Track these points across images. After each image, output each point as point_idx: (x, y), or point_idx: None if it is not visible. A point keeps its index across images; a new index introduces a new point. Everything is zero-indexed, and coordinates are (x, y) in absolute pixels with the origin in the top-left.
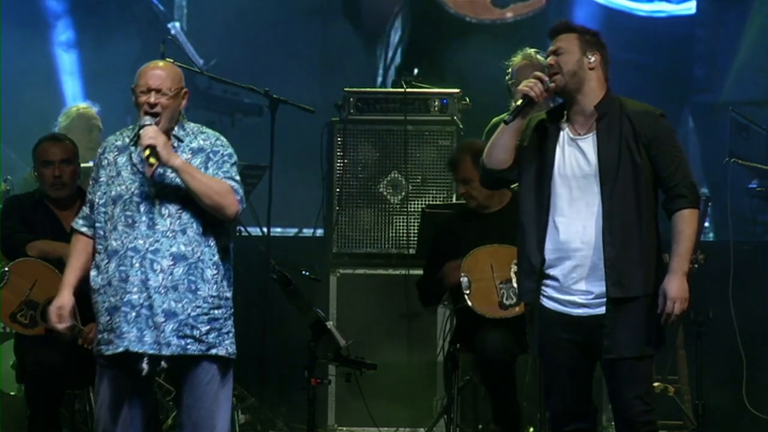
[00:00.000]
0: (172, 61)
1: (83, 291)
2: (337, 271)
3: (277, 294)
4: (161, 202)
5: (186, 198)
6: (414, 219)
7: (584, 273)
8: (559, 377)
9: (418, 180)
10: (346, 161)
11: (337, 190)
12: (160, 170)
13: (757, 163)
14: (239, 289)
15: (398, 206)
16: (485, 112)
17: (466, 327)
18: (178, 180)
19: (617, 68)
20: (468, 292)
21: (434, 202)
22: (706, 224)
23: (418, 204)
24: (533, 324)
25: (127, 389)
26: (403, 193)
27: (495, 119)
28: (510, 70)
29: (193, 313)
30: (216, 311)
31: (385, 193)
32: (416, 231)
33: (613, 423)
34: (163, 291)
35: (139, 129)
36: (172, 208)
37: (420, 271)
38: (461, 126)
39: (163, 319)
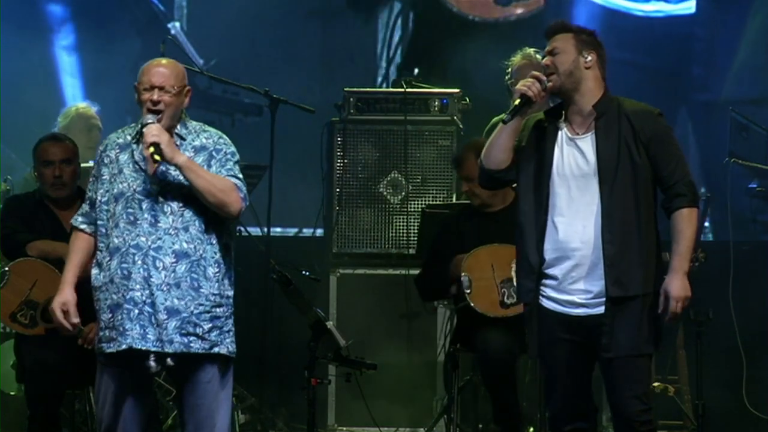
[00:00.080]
0: None
1: (83, 290)
2: (337, 271)
3: (277, 294)
4: (164, 199)
5: (188, 195)
6: (414, 219)
7: (583, 272)
8: (558, 377)
9: (418, 180)
10: (346, 161)
11: (337, 190)
12: (163, 167)
13: (757, 163)
14: (239, 289)
15: (398, 206)
16: (487, 111)
17: (467, 327)
18: (180, 177)
19: (615, 68)
20: (469, 291)
21: (434, 202)
22: (706, 224)
23: (418, 204)
24: (532, 324)
25: (129, 387)
26: (403, 193)
27: (495, 119)
28: (509, 69)
29: (195, 311)
30: (217, 309)
31: (385, 193)
32: (416, 231)
33: (612, 423)
34: (165, 288)
35: (142, 127)
36: (175, 206)
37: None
38: (461, 126)
39: (165, 317)
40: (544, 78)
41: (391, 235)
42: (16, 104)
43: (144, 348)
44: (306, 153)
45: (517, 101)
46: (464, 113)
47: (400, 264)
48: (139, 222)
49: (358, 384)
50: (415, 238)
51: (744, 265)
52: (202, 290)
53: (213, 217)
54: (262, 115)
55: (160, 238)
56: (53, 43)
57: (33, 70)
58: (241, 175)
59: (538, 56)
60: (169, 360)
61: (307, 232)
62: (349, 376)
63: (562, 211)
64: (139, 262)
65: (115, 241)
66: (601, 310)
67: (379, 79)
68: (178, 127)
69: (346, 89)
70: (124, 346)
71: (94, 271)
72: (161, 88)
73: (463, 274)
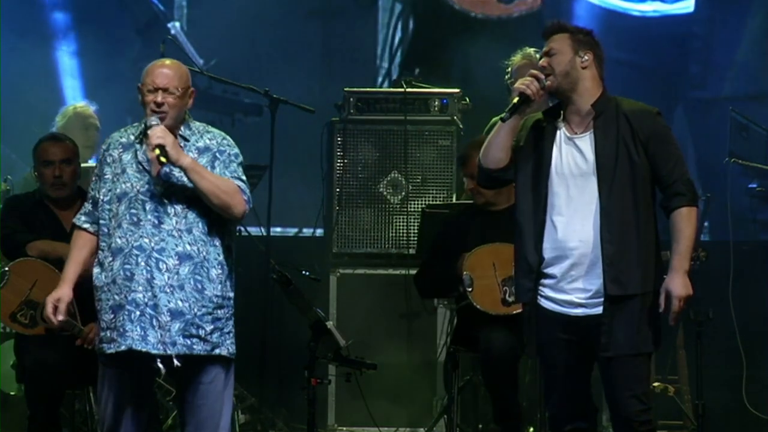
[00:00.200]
0: None
1: (83, 291)
2: (337, 271)
3: (277, 294)
4: (167, 200)
5: (192, 197)
6: (414, 219)
7: (582, 271)
8: (558, 377)
9: (418, 180)
10: (346, 161)
11: (337, 190)
12: (166, 169)
13: (757, 163)
14: (239, 289)
15: (398, 206)
16: (488, 110)
17: (468, 326)
18: (184, 179)
19: (612, 68)
20: (470, 289)
21: (434, 202)
22: (705, 224)
23: (418, 204)
24: (530, 324)
25: (130, 388)
26: (403, 193)
27: (494, 119)
28: (509, 69)
29: (199, 313)
30: (219, 311)
31: (385, 193)
32: (416, 231)
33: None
34: (168, 290)
35: (146, 128)
36: (178, 207)
37: None
38: (461, 126)
39: (168, 319)
40: (543, 77)
41: (391, 235)
42: (16, 104)
43: (144, 350)
44: (306, 153)
45: (516, 99)
46: (464, 113)
47: (400, 264)
48: (142, 223)
49: (358, 384)
50: (415, 238)
51: (744, 265)
52: (205, 292)
53: (216, 219)
54: (262, 115)
55: (163, 240)
56: (53, 43)
57: (33, 70)
58: (244, 177)
59: (539, 56)
60: (175, 361)
61: (307, 232)
62: (349, 376)
63: (561, 210)
64: (142, 263)
65: (118, 241)
66: (599, 310)
67: (380, 79)
68: (182, 128)
69: (346, 89)
70: (123, 348)
71: (96, 270)
72: (165, 90)
73: (464, 272)
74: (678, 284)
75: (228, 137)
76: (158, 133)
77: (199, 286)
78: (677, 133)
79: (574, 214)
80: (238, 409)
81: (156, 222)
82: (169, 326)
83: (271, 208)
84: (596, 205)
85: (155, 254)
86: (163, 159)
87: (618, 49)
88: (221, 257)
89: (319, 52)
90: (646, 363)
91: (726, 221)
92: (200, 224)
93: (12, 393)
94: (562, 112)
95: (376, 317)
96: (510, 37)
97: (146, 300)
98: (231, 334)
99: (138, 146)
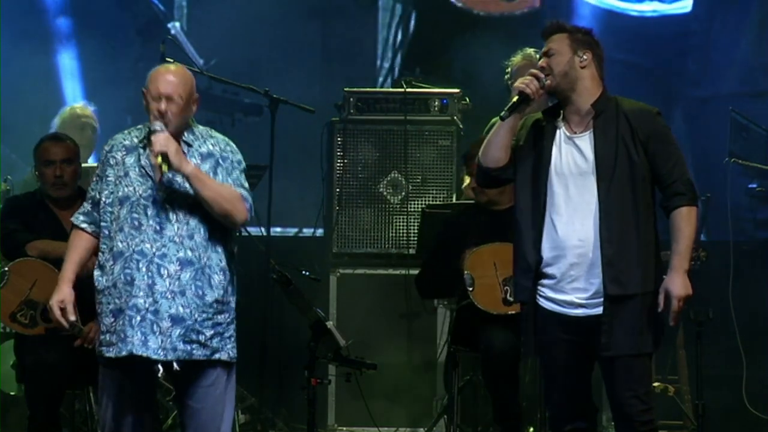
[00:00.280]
0: (172, 60)
1: (82, 290)
2: (337, 271)
3: (277, 294)
4: (169, 206)
5: (194, 203)
6: (414, 219)
7: (581, 271)
8: (558, 377)
9: (418, 180)
10: (346, 161)
11: (337, 190)
12: (169, 175)
13: (757, 163)
14: (239, 289)
15: (398, 206)
16: (488, 110)
17: (468, 326)
18: (186, 185)
19: (611, 68)
20: (471, 288)
21: (434, 202)
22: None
23: (418, 204)
24: (528, 323)
25: (130, 392)
26: (403, 193)
27: (494, 119)
28: (509, 69)
29: (199, 319)
30: (219, 316)
31: (385, 193)
32: (416, 231)
33: (613, 423)
34: (170, 296)
35: (150, 134)
36: (180, 213)
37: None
38: (461, 126)
39: (169, 324)
40: (543, 76)
41: (391, 235)
42: (16, 105)
43: (145, 355)
44: (306, 153)
45: (515, 98)
46: (464, 113)
47: (400, 264)
48: (143, 228)
49: (358, 384)
50: (415, 238)
51: (744, 264)
52: (206, 298)
53: (218, 225)
54: (262, 115)
55: (164, 246)
56: (53, 44)
57: (33, 71)
58: (246, 185)
59: (539, 56)
60: (175, 365)
61: (307, 232)
62: (349, 376)
63: (560, 210)
64: (144, 269)
65: (119, 245)
66: (599, 310)
67: (380, 80)
68: (185, 133)
69: (346, 89)
70: (124, 353)
71: (97, 273)
72: (169, 98)
73: (465, 272)
74: (677, 284)
75: (231, 143)
76: (161, 141)
77: (200, 292)
78: (676, 132)
79: (573, 214)
80: (238, 409)
81: (158, 228)
82: (170, 332)
83: (271, 208)
84: (595, 204)
85: (156, 260)
86: (165, 167)
87: (617, 49)
88: (223, 263)
89: (319, 52)
90: (647, 363)
91: (726, 221)
92: (202, 230)
93: (12, 393)
94: (561, 111)
95: (376, 317)
96: (512, 35)
97: (147, 305)
98: (232, 339)
99: (141, 150)
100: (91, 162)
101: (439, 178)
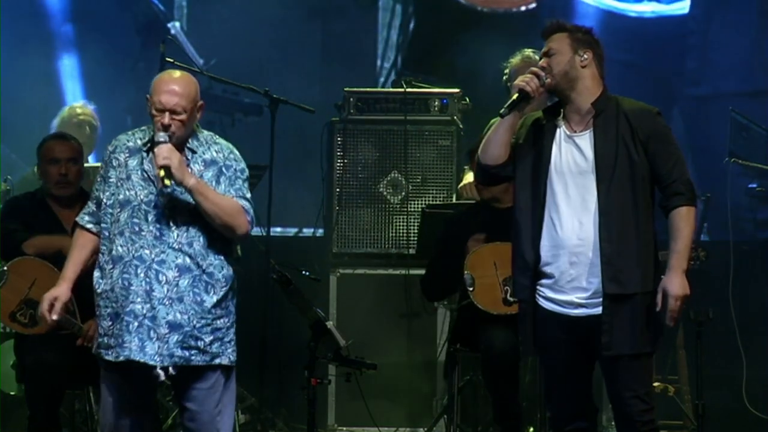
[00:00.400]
0: (172, 60)
1: (82, 288)
2: (337, 271)
3: (277, 294)
4: (170, 213)
5: (195, 211)
6: (414, 219)
7: (581, 270)
8: (558, 377)
9: (418, 180)
10: (346, 161)
11: (337, 190)
12: (171, 187)
13: (757, 163)
14: (239, 289)
15: (398, 206)
16: (489, 110)
17: (468, 326)
18: (188, 194)
19: (609, 68)
20: (472, 288)
21: (434, 202)
22: (705, 224)
23: (418, 204)
24: (526, 322)
25: (130, 394)
26: (403, 193)
27: (494, 119)
28: (508, 71)
29: (198, 325)
30: (219, 321)
31: (385, 193)
32: (416, 231)
33: (613, 423)
34: (167, 303)
35: (153, 143)
36: (181, 220)
37: (420, 271)
38: (461, 126)
39: (166, 331)
40: (543, 74)
41: (391, 235)
42: (16, 104)
43: (143, 360)
44: (306, 153)
45: (515, 96)
46: (464, 113)
47: (400, 264)
48: (143, 233)
49: (358, 384)
50: (415, 238)
51: (744, 264)
52: (205, 304)
53: (219, 234)
54: (262, 115)
55: (164, 252)
56: (53, 44)
57: (33, 71)
58: (249, 195)
59: (537, 57)
60: (170, 369)
61: (307, 232)
62: (349, 376)
63: (560, 208)
64: (142, 274)
65: (119, 249)
66: (599, 310)
67: (380, 80)
68: (190, 140)
69: (346, 89)
70: (121, 358)
71: (96, 274)
72: (173, 112)
73: (465, 271)
74: (675, 284)
75: (235, 150)
76: (164, 153)
77: (199, 299)
78: (676, 133)
79: (572, 212)
80: (238, 410)
81: (157, 234)
82: (167, 338)
83: (271, 208)
84: (595, 203)
85: (155, 266)
86: (167, 182)
87: (616, 49)
88: (224, 269)
89: (319, 52)
90: (648, 363)
91: (726, 221)
92: (202, 238)
93: (12, 393)
94: (561, 110)
95: (376, 317)
96: (512, 35)
97: (145, 311)
98: (232, 342)
99: (145, 154)
100: (91, 161)
101: (439, 178)
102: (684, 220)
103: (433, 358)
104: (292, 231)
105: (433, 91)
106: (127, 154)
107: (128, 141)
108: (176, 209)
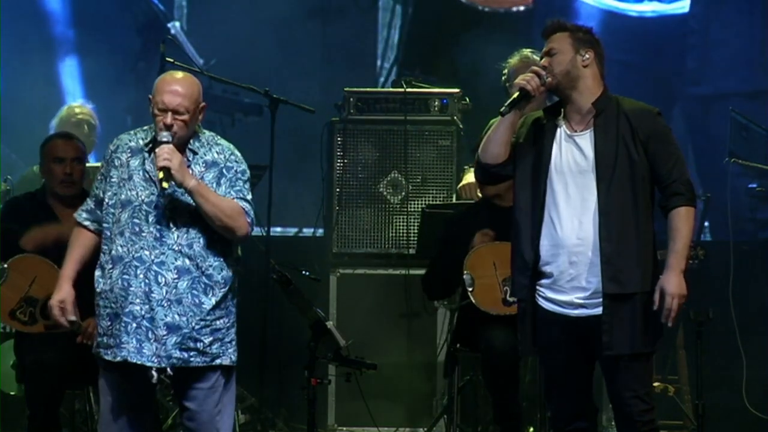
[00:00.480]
0: (172, 60)
1: (81, 285)
2: (337, 271)
3: (277, 294)
4: (171, 214)
5: (195, 212)
6: (414, 219)
7: (580, 269)
8: (558, 377)
9: (418, 180)
10: (346, 161)
11: (337, 190)
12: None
13: (757, 163)
14: (239, 289)
15: (398, 206)
16: (489, 110)
17: (468, 326)
18: (188, 196)
19: (610, 68)
20: (471, 289)
21: (434, 202)
22: (706, 224)
23: (418, 204)
24: (525, 322)
25: (129, 393)
26: (403, 193)
27: (493, 119)
28: (506, 71)
29: (197, 327)
30: (219, 322)
31: (385, 193)
32: (416, 231)
33: (613, 423)
34: (166, 304)
35: (156, 143)
36: (181, 222)
37: (420, 271)
38: (461, 126)
39: (164, 333)
40: (544, 73)
41: (391, 235)
42: (16, 104)
43: (139, 362)
44: (306, 153)
45: (516, 94)
46: (464, 113)
47: (400, 264)
48: (144, 234)
49: (358, 384)
50: (415, 238)
51: (744, 264)
52: (203, 306)
53: (219, 236)
54: (262, 115)
55: (163, 253)
56: (53, 44)
57: (33, 71)
58: (250, 196)
59: (535, 57)
60: (168, 370)
61: (307, 232)
62: (349, 376)
63: (559, 208)
64: (141, 275)
65: (119, 250)
66: (599, 310)
67: (380, 80)
68: (192, 141)
69: (346, 89)
70: (119, 359)
71: (97, 273)
72: (176, 112)
73: (465, 272)
74: (673, 283)
75: (236, 152)
76: (165, 155)
77: (197, 300)
78: (676, 133)
79: (572, 212)
80: (238, 410)
81: (158, 235)
82: (165, 340)
83: (271, 208)
84: (595, 203)
85: (155, 267)
86: (166, 184)
87: (616, 49)
88: (224, 271)
89: (319, 52)
90: (648, 362)
91: (726, 221)
92: (202, 240)
93: (12, 393)
94: (562, 109)
95: (376, 317)
96: (512, 34)
97: (143, 313)
98: (233, 342)
99: (146, 155)
100: (90, 161)
101: (439, 178)
102: (683, 220)
103: (433, 358)
104: (292, 231)
105: (433, 91)
106: (129, 154)
107: (130, 141)
108: (177, 210)
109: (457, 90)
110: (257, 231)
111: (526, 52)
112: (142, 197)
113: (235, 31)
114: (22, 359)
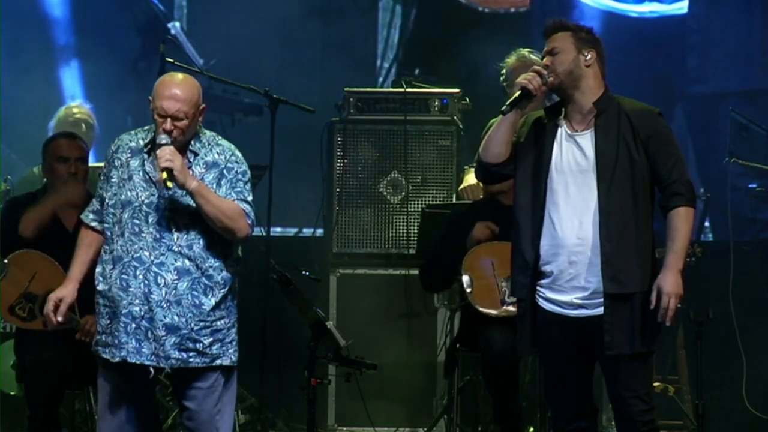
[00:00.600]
0: (172, 60)
1: (83, 284)
2: (337, 271)
3: (277, 294)
4: (170, 215)
5: (195, 213)
6: (414, 219)
7: (580, 269)
8: (558, 378)
9: (418, 180)
10: (346, 161)
11: (337, 190)
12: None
13: (757, 163)
14: (239, 289)
15: (398, 206)
16: (489, 110)
17: (469, 326)
18: (188, 197)
19: (610, 68)
20: (470, 290)
21: (434, 202)
22: (706, 224)
23: (418, 204)
24: (525, 321)
25: (126, 391)
26: (403, 193)
27: (492, 120)
28: (504, 71)
29: (196, 327)
30: (219, 322)
31: (385, 193)
32: (416, 231)
33: (613, 423)
34: (165, 305)
35: (156, 144)
36: (181, 223)
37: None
38: (461, 126)
39: (163, 333)
40: (545, 72)
41: (391, 235)
42: (16, 104)
43: (138, 362)
44: (306, 153)
45: (517, 93)
46: (464, 113)
47: (400, 264)
48: (143, 235)
49: (358, 384)
50: (415, 238)
51: (744, 264)
52: (203, 307)
53: (219, 237)
54: (262, 115)
55: (163, 254)
56: (53, 43)
57: (33, 70)
58: (250, 197)
59: (533, 57)
60: (167, 368)
61: (307, 232)
62: (349, 376)
63: (559, 207)
64: (141, 276)
65: (119, 250)
66: (600, 311)
67: (380, 80)
68: (192, 141)
69: (346, 89)
70: (118, 359)
71: (98, 270)
72: (175, 118)
73: (464, 273)
74: (670, 282)
75: (237, 152)
76: (167, 156)
77: (197, 301)
78: (676, 133)
79: (572, 211)
80: (238, 409)
81: (157, 236)
82: (163, 340)
83: (271, 208)
84: (595, 203)
85: (154, 268)
86: (170, 184)
87: (617, 49)
88: (224, 271)
89: (319, 52)
90: (648, 362)
91: (726, 221)
92: (202, 241)
93: (12, 393)
94: (563, 109)
95: (376, 317)
96: (512, 34)
97: (142, 313)
98: (233, 343)
99: (146, 156)
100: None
101: (439, 178)
102: (682, 220)
103: (433, 358)
104: (292, 231)
105: (433, 91)
106: (129, 155)
107: (131, 141)
108: (177, 211)
109: (457, 90)
110: (257, 231)
111: (524, 51)
112: (142, 198)
113: (235, 31)
114: (22, 359)
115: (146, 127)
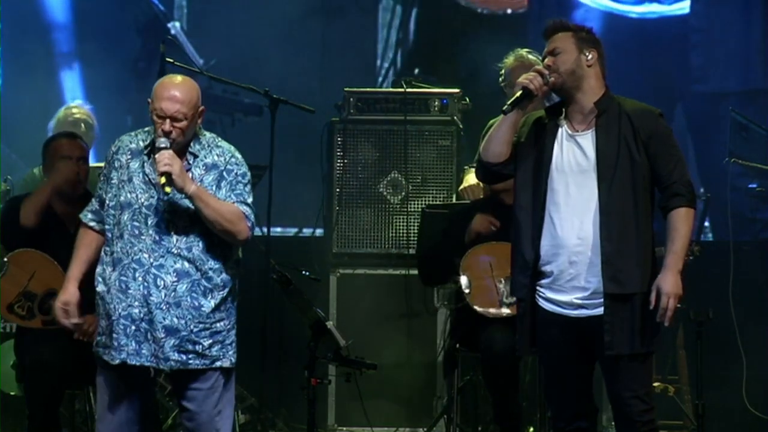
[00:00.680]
0: (172, 60)
1: (83, 284)
2: (337, 271)
3: (277, 294)
4: (170, 217)
5: (195, 216)
6: (414, 219)
7: (580, 269)
8: (558, 378)
9: (418, 180)
10: (346, 161)
11: (337, 190)
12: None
13: (757, 163)
14: (239, 289)
15: (398, 206)
16: (489, 109)
17: (468, 326)
18: (187, 200)
19: (610, 68)
20: (468, 291)
21: (434, 202)
22: (706, 224)
23: (418, 204)
24: (524, 321)
25: (125, 392)
26: (403, 193)
27: (491, 120)
28: (503, 72)
29: (195, 329)
30: (219, 324)
31: (385, 193)
32: (416, 231)
33: (613, 423)
34: (165, 307)
35: (155, 147)
36: (181, 225)
37: None
38: (461, 126)
39: (163, 335)
40: (546, 72)
41: (391, 235)
42: (16, 104)
43: (138, 363)
44: (306, 153)
45: (518, 93)
46: (464, 113)
47: (400, 264)
48: (143, 237)
49: (358, 384)
50: (415, 238)
51: (744, 264)
52: (203, 309)
53: (219, 240)
54: (262, 115)
55: (162, 256)
56: (53, 43)
57: (33, 71)
58: (250, 200)
59: (531, 57)
60: (166, 369)
61: (307, 232)
62: (349, 376)
63: (560, 207)
64: (140, 278)
65: (119, 251)
66: (599, 311)
67: (380, 80)
68: (192, 143)
69: (346, 89)
70: (117, 361)
71: (98, 270)
72: (174, 119)
73: (462, 273)
74: (669, 282)
75: (236, 153)
76: (166, 160)
77: (197, 303)
78: (676, 133)
79: (572, 212)
80: (238, 409)
81: (157, 238)
82: (163, 342)
83: (271, 208)
84: (595, 203)
85: (153, 270)
86: (168, 189)
87: (617, 49)
88: (223, 273)
89: (319, 52)
90: (648, 363)
91: (726, 221)
92: (201, 243)
93: (12, 393)
94: (564, 109)
95: (376, 317)
96: (512, 34)
97: (142, 315)
98: (233, 344)
99: (146, 158)
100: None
101: (439, 178)
102: (682, 220)
103: (433, 358)
104: (292, 231)
105: (433, 91)
106: (128, 156)
107: (131, 142)
108: (176, 214)
109: (457, 90)
110: (257, 231)
111: (522, 52)
112: (142, 200)
113: (235, 31)
114: (22, 359)
115: (146, 129)
